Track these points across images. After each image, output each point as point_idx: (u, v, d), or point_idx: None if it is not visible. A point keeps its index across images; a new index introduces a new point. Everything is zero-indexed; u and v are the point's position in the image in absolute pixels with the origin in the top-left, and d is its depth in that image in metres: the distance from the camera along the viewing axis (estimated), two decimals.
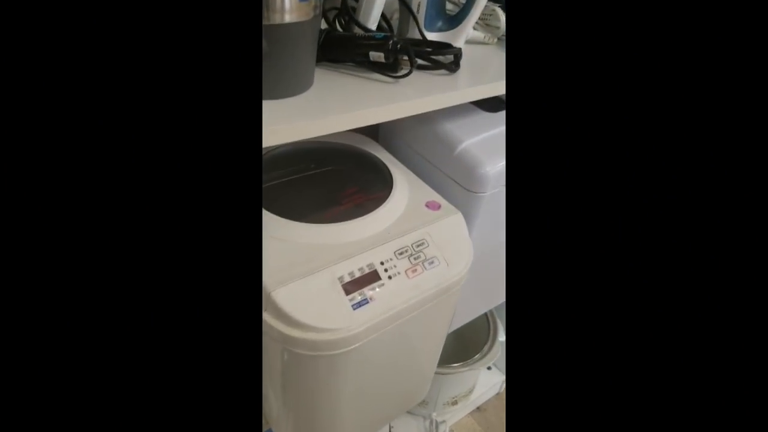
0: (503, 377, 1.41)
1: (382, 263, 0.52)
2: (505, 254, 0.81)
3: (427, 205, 0.61)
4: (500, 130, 0.68)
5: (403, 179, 0.64)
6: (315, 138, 0.45)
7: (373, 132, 0.81)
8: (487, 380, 1.39)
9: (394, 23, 0.74)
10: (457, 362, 1.20)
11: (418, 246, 0.55)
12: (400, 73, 0.56)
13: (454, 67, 0.61)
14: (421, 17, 0.70)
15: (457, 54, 0.62)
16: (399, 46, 0.55)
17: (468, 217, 0.67)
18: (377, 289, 0.50)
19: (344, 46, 0.56)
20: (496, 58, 0.74)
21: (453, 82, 0.60)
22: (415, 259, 0.54)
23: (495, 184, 0.64)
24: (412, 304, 0.52)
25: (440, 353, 0.75)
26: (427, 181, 0.69)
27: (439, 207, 0.62)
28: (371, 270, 0.51)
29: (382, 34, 0.56)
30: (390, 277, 0.51)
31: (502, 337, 1.25)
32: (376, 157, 0.68)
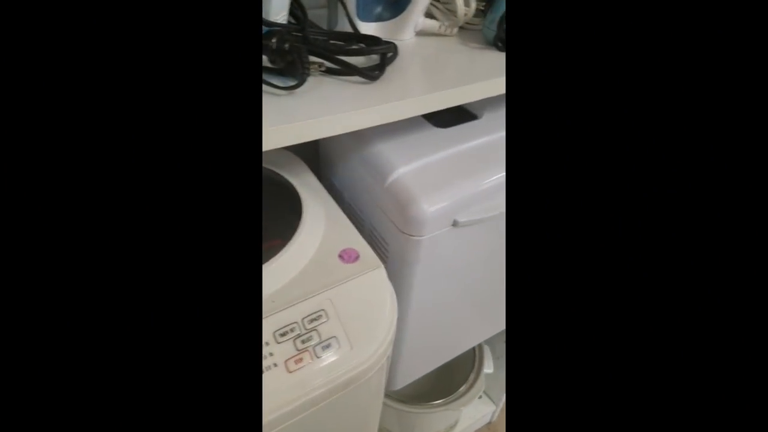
0: (494, 407, 1.27)
1: None
2: (468, 295, 0.66)
3: (340, 256, 0.46)
4: (449, 152, 0.52)
5: (317, 219, 0.49)
6: None
7: (310, 148, 0.66)
8: (475, 410, 1.26)
9: (322, 13, 0.58)
10: (438, 396, 1.07)
11: (311, 321, 0.40)
12: (291, 83, 0.41)
13: (376, 72, 0.45)
14: (351, 3, 0.54)
15: (387, 52, 0.47)
16: (287, 45, 0.39)
17: (405, 265, 0.52)
18: None
19: None
20: (456, 55, 0.57)
21: (382, 91, 0.44)
22: (303, 342, 0.39)
23: (435, 225, 0.48)
24: (293, 409, 0.37)
25: (378, 420, 0.60)
26: (364, 219, 0.54)
27: (356, 258, 0.46)
28: None
29: (267, 29, 0.41)
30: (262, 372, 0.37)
31: (489, 369, 1.11)
32: (291, 186, 0.53)
